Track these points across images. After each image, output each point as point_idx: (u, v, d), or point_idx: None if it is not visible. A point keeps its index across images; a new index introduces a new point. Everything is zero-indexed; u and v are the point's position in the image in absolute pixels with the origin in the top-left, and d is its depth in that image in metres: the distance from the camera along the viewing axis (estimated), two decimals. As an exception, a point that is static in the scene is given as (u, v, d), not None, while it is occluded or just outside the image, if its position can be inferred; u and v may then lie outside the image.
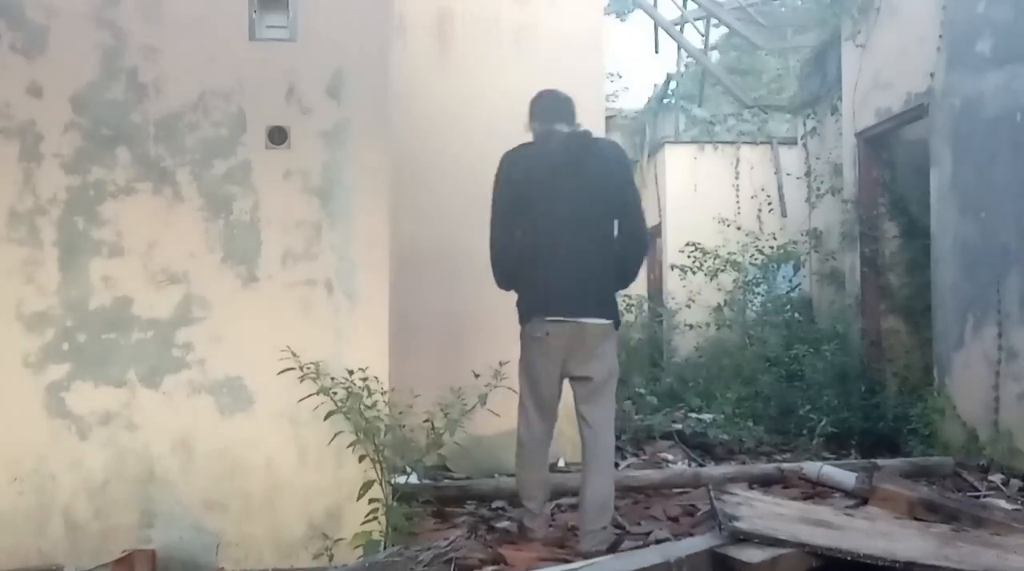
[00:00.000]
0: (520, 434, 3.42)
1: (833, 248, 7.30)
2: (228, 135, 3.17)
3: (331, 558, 3.00)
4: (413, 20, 4.84)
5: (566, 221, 3.28)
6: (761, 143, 9.00)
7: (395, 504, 3.09)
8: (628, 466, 5.04)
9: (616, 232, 3.37)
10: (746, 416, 5.88)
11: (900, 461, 4.67)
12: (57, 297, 3.08)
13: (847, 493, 3.90)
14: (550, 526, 3.53)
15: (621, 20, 10.63)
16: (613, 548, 3.21)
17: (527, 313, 3.36)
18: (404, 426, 3.21)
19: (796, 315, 7.46)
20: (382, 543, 3.01)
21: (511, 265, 3.39)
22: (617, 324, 3.37)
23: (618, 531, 3.45)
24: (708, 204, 8.77)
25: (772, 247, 8.09)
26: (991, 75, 4.81)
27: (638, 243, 3.42)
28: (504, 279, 3.45)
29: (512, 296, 3.47)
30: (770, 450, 5.57)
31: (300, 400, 3.05)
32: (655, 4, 9.01)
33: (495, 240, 3.42)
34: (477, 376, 3.25)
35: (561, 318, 3.27)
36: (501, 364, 3.26)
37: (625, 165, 3.50)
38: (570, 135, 3.39)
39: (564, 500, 4.06)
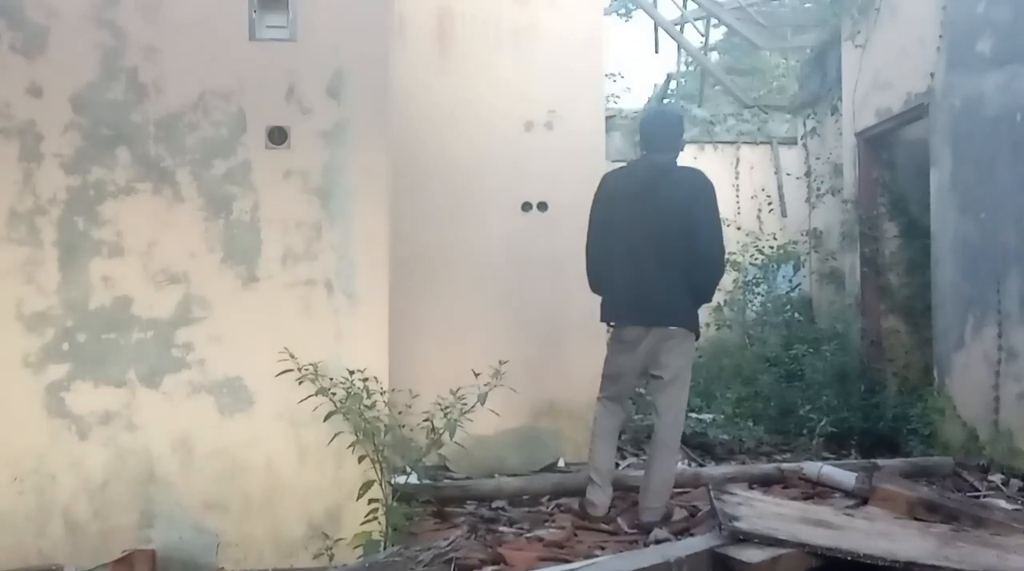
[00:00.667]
0: (597, 411, 3.87)
1: (833, 248, 7.29)
2: (228, 135, 3.17)
3: (331, 558, 3.00)
4: (413, 20, 4.84)
5: (641, 239, 3.67)
6: (761, 143, 8.99)
7: (395, 504, 3.09)
8: (628, 466, 5.03)
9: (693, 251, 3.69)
10: (746, 416, 5.87)
11: (900, 461, 4.67)
12: (57, 297, 3.08)
13: (847, 493, 3.90)
14: (611, 509, 3.77)
15: (625, 19, 10.61)
16: (666, 520, 3.66)
17: (608, 316, 3.85)
18: (404, 426, 3.21)
19: (796, 315, 7.46)
20: (382, 543, 3.01)
21: (599, 273, 3.85)
22: (691, 330, 3.73)
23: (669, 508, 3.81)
24: (708, 204, 8.75)
25: (772, 247, 8.08)
26: (991, 75, 4.81)
27: (708, 262, 3.68)
28: (594, 284, 3.91)
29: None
30: (770, 450, 5.56)
31: (300, 401, 3.05)
32: (655, 4, 9.00)
33: (588, 249, 3.89)
34: (477, 375, 3.25)
35: (632, 324, 3.72)
36: (501, 363, 3.26)
37: (702, 191, 3.71)
38: (654, 164, 3.77)
39: (564, 500, 4.07)
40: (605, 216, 3.78)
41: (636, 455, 5.38)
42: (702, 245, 3.62)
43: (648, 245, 3.64)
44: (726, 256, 3.79)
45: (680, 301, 3.67)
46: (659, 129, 3.82)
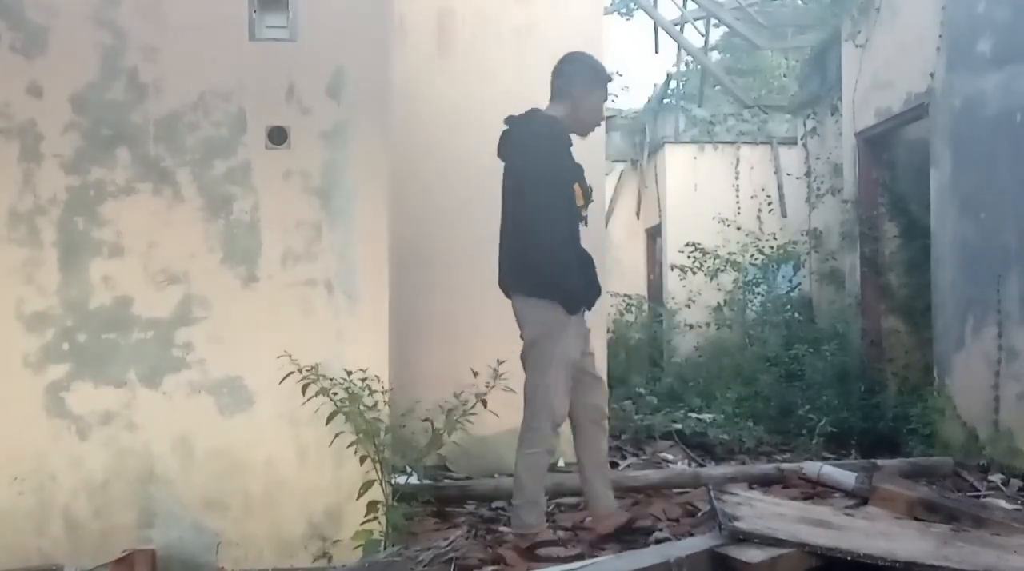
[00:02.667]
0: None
1: (833, 248, 7.30)
2: (228, 135, 3.17)
3: (331, 558, 3.01)
4: (413, 20, 4.83)
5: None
6: (761, 143, 9.00)
7: (395, 504, 3.09)
8: (628, 466, 5.04)
9: None
10: (746, 416, 5.88)
11: (900, 461, 4.67)
12: (57, 297, 3.08)
13: (847, 493, 3.89)
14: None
15: (626, 18, 10.62)
16: (527, 529, 3.23)
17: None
18: (404, 426, 3.21)
19: (796, 315, 7.46)
20: (382, 543, 3.01)
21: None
22: (529, 296, 3.28)
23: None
24: (708, 204, 8.77)
25: (772, 247, 8.09)
26: (991, 75, 4.81)
27: (525, 235, 3.22)
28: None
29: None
30: (770, 450, 5.56)
31: (302, 404, 3.04)
32: (655, 4, 9.00)
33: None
34: (476, 375, 3.25)
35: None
36: (500, 363, 3.26)
37: (527, 144, 3.26)
38: (512, 117, 3.43)
39: (564, 500, 4.06)
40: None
41: (636, 455, 5.38)
42: (519, 215, 3.23)
43: (503, 207, 3.37)
44: (551, 231, 3.16)
45: (520, 265, 3.25)
46: (555, 75, 3.42)
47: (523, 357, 3.29)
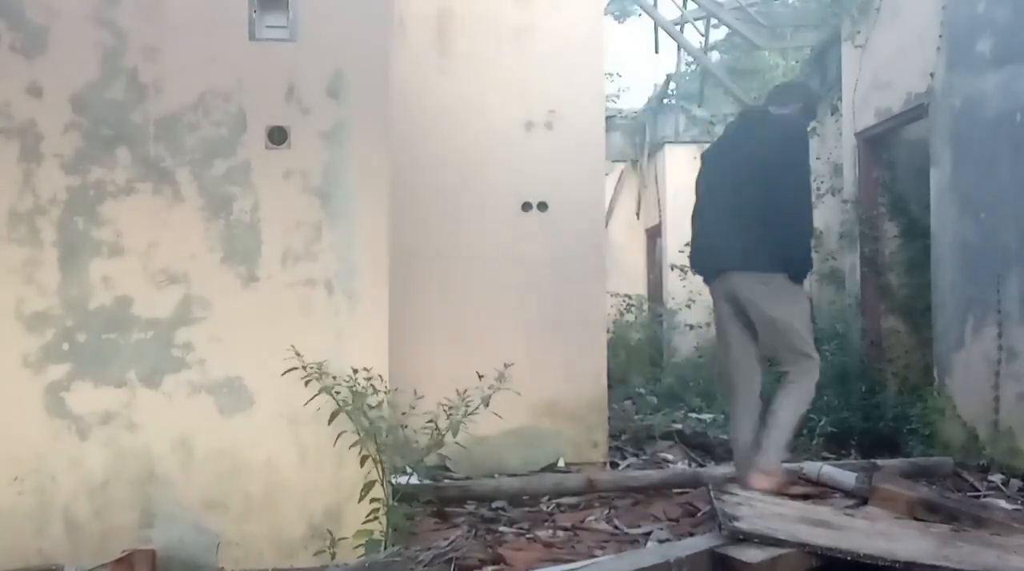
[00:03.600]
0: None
1: (833, 248, 7.29)
2: (228, 135, 3.17)
3: (332, 557, 3.00)
4: (413, 20, 4.84)
5: (723, 191, 3.85)
6: (761, 143, 8.98)
7: (396, 504, 3.09)
8: (628, 466, 5.04)
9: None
10: (746, 416, 5.86)
11: (900, 461, 4.66)
12: (57, 297, 3.08)
13: (847, 493, 3.89)
14: None
15: (619, 22, 10.66)
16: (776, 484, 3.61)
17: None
18: (406, 427, 3.21)
19: (796, 315, 7.44)
20: (382, 543, 3.01)
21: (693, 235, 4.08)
22: (775, 272, 3.65)
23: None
24: (708, 204, 8.75)
25: (772, 247, 8.07)
26: (991, 75, 4.80)
27: (784, 221, 3.58)
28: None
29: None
30: (770, 450, 5.55)
31: (305, 404, 3.04)
32: (655, 4, 9.00)
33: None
34: (481, 377, 3.24)
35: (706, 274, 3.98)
36: (506, 366, 3.25)
37: (780, 137, 3.66)
38: (745, 113, 4.12)
39: (564, 500, 4.07)
40: (698, 181, 4.08)
41: (636, 455, 5.38)
42: (773, 201, 3.56)
43: (727, 195, 3.76)
44: (806, 215, 3.68)
45: (762, 243, 3.60)
46: (790, 85, 4.01)
47: (768, 317, 3.65)
